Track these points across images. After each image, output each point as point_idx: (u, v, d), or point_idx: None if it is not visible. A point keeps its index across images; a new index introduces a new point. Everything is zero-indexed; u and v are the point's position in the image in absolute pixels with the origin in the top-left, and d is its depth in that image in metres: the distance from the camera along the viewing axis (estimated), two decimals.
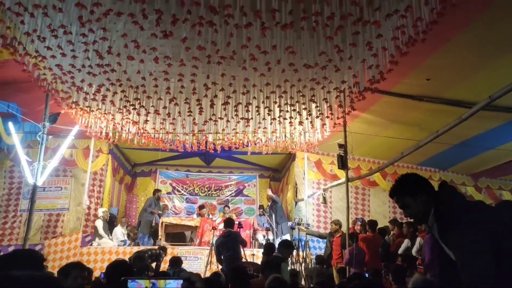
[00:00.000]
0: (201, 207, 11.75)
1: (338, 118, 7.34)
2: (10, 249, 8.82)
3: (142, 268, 5.56)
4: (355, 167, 10.77)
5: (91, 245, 9.72)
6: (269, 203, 11.10)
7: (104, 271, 4.37)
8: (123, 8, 4.50)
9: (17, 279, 0.88)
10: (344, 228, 7.74)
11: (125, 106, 7.18)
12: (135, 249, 8.95)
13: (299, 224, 9.36)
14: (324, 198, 10.05)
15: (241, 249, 7.41)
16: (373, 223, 7.61)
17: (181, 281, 2.51)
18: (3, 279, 0.86)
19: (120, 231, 10.28)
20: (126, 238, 10.40)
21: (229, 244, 7.15)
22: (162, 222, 10.58)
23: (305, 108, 7.16)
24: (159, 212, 11.23)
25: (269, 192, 11.24)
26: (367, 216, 10.56)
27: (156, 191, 11.62)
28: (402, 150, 7.28)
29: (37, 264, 2.31)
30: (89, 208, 10.27)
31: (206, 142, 8.88)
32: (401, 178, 2.18)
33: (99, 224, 9.94)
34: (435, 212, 1.99)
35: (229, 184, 14.00)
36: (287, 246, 5.91)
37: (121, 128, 8.41)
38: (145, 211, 10.98)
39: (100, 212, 10.17)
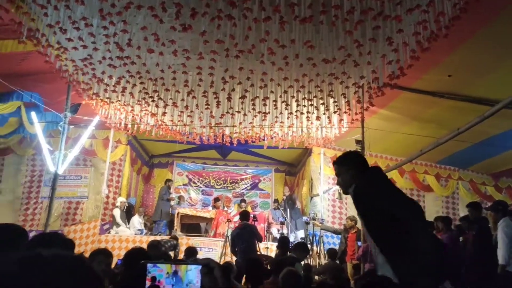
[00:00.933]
0: (216, 199, 11.87)
1: (356, 113, 7.28)
2: (32, 234, 9.09)
3: (157, 257, 5.67)
4: (372, 163, 10.56)
5: (109, 233, 9.94)
6: (284, 198, 11.11)
7: (121, 258, 4.47)
8: (144, 2, 4.55)
9: (45, 259, 0.81)
10: (359, 225, 7.70)
11: (144, 98, 7.29)
12: (152, 238, 9.13)
13: (314, 219, 9.35)
14: (340, 194, 9.98)
15: (256, 243, 7.45)
16: None
17: (200, 266, 2.57)
18: (30, 259, 0.80)
19: (137, 220, 10.49)
20: (142, 227, 10.60)
21: (245, 236, 7.20)
22: (178, 213, 10.73)
23: (322, 103, 7.13)
24: (173, 198, 11.59)
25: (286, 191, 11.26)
26: None
27: (168, 180, 12.01)
28: (421, 147, 7.18)
29: (67, 246, 2.28)
30: (107, 197, 10.49)
31: (222, 135, 8.93)
32: (345, 152, 2.67)
33: (117, 213, 10.15)
34: (355, 185, 2.46)
35: (244, 178, 14.07)
36: (303, 249, 5.92)
37: (140, 120, 8.54)
38: (162, 200, 11.24)
39: (118, 201, 10.39)
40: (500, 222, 4.92)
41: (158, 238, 9.22)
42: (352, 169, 2.50)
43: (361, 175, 2.47)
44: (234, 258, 7.42)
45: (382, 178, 2.48)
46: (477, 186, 11.30)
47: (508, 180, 11.38)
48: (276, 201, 11.81)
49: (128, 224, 10.38)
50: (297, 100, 7.04)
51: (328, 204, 10.90)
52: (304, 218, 9.77)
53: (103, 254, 3.27)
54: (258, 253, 7.58)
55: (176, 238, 8.37)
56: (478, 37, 5.25)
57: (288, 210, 10.64)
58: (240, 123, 8.12)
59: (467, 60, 5.84)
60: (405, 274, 2.09)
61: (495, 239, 5.18)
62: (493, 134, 8.20)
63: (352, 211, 10.28)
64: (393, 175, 10.77)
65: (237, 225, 7.86)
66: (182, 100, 7.24)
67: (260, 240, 7.64)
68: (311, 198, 11.25)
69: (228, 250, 8.27)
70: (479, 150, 9.24)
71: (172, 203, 11.51)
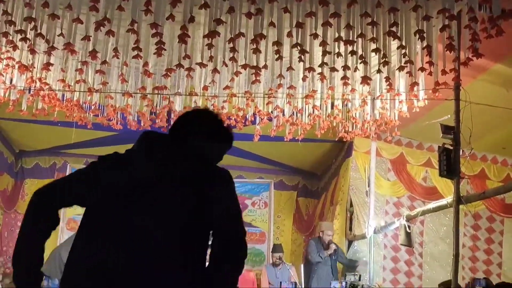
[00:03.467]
0: None
1: (443, 72, 7.32)
2: None
3: None
4: (475, 173, 10.77)
5: None
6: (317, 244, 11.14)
7: None
8: None
9: None
10: None
11: (5, 34, 7.23)
12: None
13: (354, 286, 9.39)
14: (408, 235, 10.05)
15: None
16: None
17: None
18: None
19: None
20: None
21: None
22: None
23: (376, 50, 7.16)
24: None
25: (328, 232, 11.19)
26: (495, 276, 10.59)
27: None
28: None
29: None
30: None
31: (169, 113, 8.91)
32: None
33: None
34: None
35: None
36: None
37: None
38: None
39: None
40: None
41: None
42: None
43: None
44: None
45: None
46: None
47: None
48: (277, 249, 11.82)
49: None
50: (323, 43, 7.05)
51: (385, 255, 11.01)
52: (335, 283, 9.80)
53: None
54: None
55: None
56: None
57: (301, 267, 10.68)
58: (206, 87, 8.10)
59: None
60: None
61: None
62: None
63: (433, 269, 10.41)
64: None
65: None
66: (86, 38, 7.20)
67: None
68: (350, 242, 11.31)
69: None
70: None
71: None
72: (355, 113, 9.00)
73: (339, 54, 7.29)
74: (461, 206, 7.79)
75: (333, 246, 10.77)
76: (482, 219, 11.35)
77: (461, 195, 7.63)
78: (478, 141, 8.28)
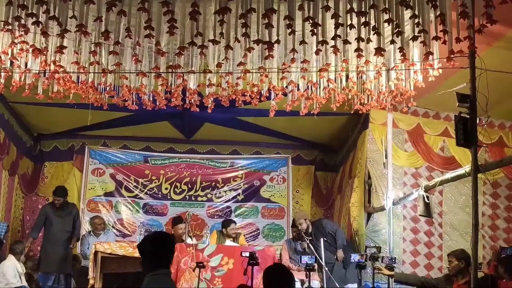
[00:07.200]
0: (176, 221, 11.81)
1: (457, 40, 7.26)
2: None
3: None
4: (493, 141, 10.73)
5: None
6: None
7: None
8: None
9: None
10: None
11: (18, 18, 7.24)
12: None
13: (375, 258, 9.38)
14: (427, 206, 10.03)
15: None
16: None
17: None
18: None
19: (12, 268, 10.45)
20: (24, 282, 10.61)
21: None
22: (95, 252, 10.70)
23: (389, 20, 7.12)
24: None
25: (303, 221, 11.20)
26: None
27: (59, 191, 11.88)
28: None
29: None
30: None
31: (184, 91, 8.92)
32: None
33: None
34: None
35: (231, 177, 14.20)
36: None
37: (11, 63, 8.50)
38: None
39: None
40: None
41: None
42: None
43: None
44: None
45: None
46: None
47: None
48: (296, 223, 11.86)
49: None
50: (335, 15, 7.02)
51: (404, 226, 11.02)
52: (355, 256, 9.80)
53: None
54: None
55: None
56: None
57: (321, 241, 10.70)
58: (220, 64, 8.09)
59: None
60: None
61: None
62: None
63: (454, 240, 10.42)
64: None
65: None
66: (98, 20, 7.21)
67: None
68: (369, 215, 11.34)
69: None
70: None
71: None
72: (370, 85, 8.95)
73: (351, 26, 7.25)
74: (479, 175, 7.77)
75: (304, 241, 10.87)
76: (501, 187, 11.35)
77: (479, 163, 7.60)
78: (495, 109, 8.22)
